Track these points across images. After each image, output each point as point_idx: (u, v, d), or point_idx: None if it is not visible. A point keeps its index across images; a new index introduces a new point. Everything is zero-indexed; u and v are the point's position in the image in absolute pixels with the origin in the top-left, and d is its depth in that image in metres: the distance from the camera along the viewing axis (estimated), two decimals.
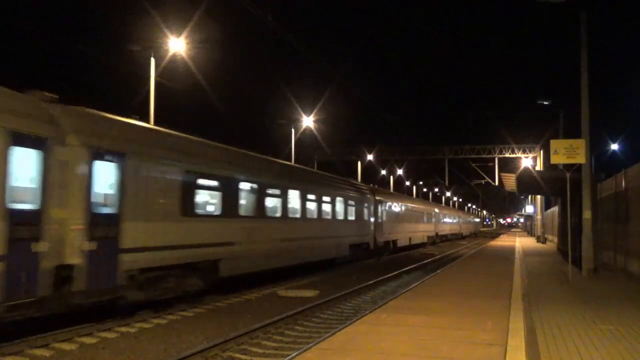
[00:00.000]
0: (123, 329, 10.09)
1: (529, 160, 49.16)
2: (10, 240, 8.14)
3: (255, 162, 16.48)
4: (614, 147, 44.86)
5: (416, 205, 42.62)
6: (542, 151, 43.25)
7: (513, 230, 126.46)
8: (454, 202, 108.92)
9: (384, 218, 29.74)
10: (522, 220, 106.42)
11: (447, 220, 58.97)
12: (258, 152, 18.12)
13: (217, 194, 13.61)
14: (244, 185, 14.86)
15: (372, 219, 27.01)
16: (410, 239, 37.19)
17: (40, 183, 8.79)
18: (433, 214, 49.15)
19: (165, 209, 11.39)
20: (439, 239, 51.07)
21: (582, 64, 16.32)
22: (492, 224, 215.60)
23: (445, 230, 56.34)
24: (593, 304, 10.50)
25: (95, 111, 10.78)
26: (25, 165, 8.66)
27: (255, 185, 15.36)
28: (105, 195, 10.12)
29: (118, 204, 10.15)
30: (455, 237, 63.44)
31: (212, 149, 14.37)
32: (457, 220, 68.85)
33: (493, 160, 52.95)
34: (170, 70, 22.34)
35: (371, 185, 35.02)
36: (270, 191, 16.23)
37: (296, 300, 13.87)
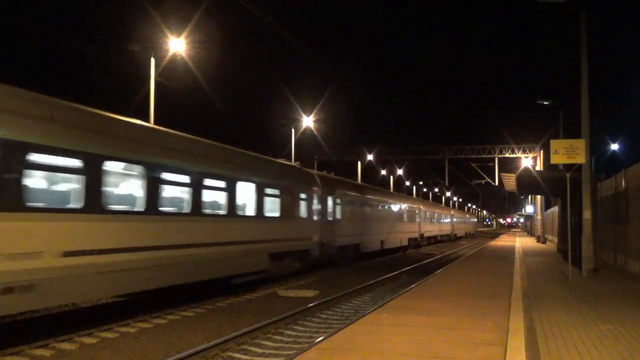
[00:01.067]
0: (123, 329, 10.09)
1: (529, 160, 49.20)
2: None
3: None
4: (614, 147, 44.94)
5: (391, 201, 34.68)
6: (542, 151, 43.28)
7: (513, 230, 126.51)
8: (454, 202, 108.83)
9: (339, 216, 23.17)
10: (522, 220, 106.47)
11: (435, 219, 51.12)
12: (258, 152, 18.01)
13: None
14: None
15: (317, 217, 20.08)
16: (382, 242, 30.16)
17: None
18: (417, 211, 41.39)
19: None
20: (424, 241, 44.33)
21: (582, 64, 16.33)
22: (492, 224, 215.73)
23: (433, 230, 48.78)
24: (593, 304, 10.50)
25: None
26: None
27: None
28: None
29: None
30: (447, 239, 57.16)
31: None
32: (449, 219, 60.90)
33: (493, 160, 53.04)
34: (170, 70, 22.36)
35: (324, 172, 27.73)
36: (56, 161, 8.92)
37: (296, 300, 13.87)
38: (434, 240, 49.55)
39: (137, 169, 10.76)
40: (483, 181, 58.85)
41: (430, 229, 47.23)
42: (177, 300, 12.59)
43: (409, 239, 37.98)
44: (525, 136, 57.19)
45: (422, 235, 42.72)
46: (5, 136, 7.87)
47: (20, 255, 7.98)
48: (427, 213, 46.47)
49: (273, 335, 9.87)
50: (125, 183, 10.88)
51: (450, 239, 59.40)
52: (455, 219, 66.49)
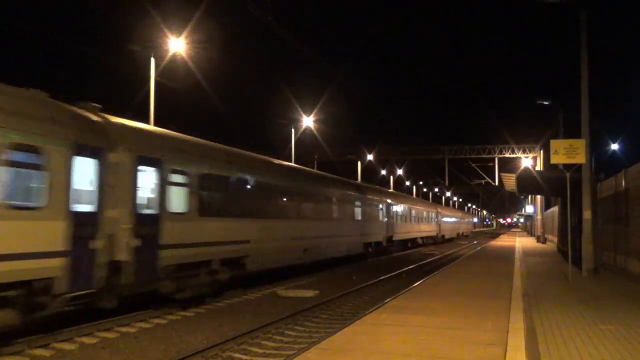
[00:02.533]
0: (123, 329, 10.10)
1: (529, 160, 49.24)
2: None
3: None
4: (614, 147, 44.93)
5: (327, 189, 22.55)
6: (542, 151, 43.29)
7: (513, 230, 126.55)
8: (454, 202, 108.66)
9: (182, 206, 12.16)
10: (522, 220, 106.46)
11: (413, 217, 40.39)
12: (258, 152, 18.00)
13: None
14: None
15: (92, 208, 9.85)
16: (306, 250, 18.88)
17: None
18: (382, 207, 30.63)
19: None
20: (395, 246, 33.87)
21: (582, 64, 16.32)
22: (492, 224, 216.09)
23: (409, 232, 38.52)
24: (593, 304, 10.50)
25: None
26: None
27: None
28: None
29: None
30: (432, 242, 47.54)
31: None
32: (433, 217, 49.81)
33: (493, 160, 53.11)
34: (170, 70, 22.35)
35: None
36: None
37: (296, 300, 13.87)
38: (411, 243, 39.82)
39: None
40: (483, 181, 58.91)
41: (404, 230, 36.55)
42: (177, 300, 12.58)
43: (368, 244, 27.14)
44: (525, 136, 57.24)
45: (390, 238, 31.94)
46: None
47: None
48: (399, 209, 35.47)
49: (273, 335, 9.87)
50: None
51: (436, 241, 49.43)
52: (443, 218, 55.02)
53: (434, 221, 50.15)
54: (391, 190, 43.61)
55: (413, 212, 40.59)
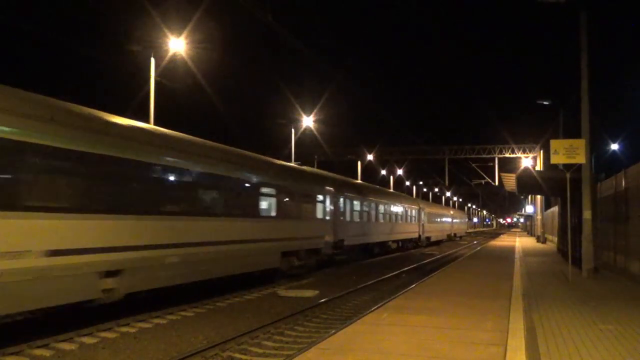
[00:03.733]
0: (123, 329, 10.10)
1: (529, 160, 49.23)
2: None
3: None
4: (614, 147, 44.93)
5: (181, 162, 11.96)
6: (542, 151, 43.27)
7: (513, 230, 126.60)
8: (454, 202, 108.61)
9: None
10: (522, 220, 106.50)
11: (381, 215, 30.82)
12: (258, 152, 17.94)
13: None
14: None
15: None
16: (168, 266, 11.24)
17: None
18: (321, 199, 20.90)
19: None
20: (349, 254, 24.79)
21: (582, 64, 16.31)
22: (492, 223, 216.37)
23: (371, 235, 28.48)
24: (593, 304, 10.50)
25: None
26: None
27: None
28: None
29: None
30: (413, 246, 39.38)
31: None
32: (415, 216, 40.57)
33: (493, 160, 53.11)
34: (170, 70, 22.33)
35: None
36: None
37: (296, 300, 13.88)
38: (378, 249, 30.35)
39: None
40: (483, 181, 58.95)
41: (363, 232, 26.95)
42: (177, 300, 12.60)
43: (292, 253, 17.89)
44: (525, 136, 57.07)
45: (339, 243, 22.81)
46: None
47: None
48: (356, 204, 26.07)
49: (273, 335, 9.88)
50: None
51: (418, 245, 41.03)
52: (427, 217, 45.06)
53: (415, 220, 40.72)
54: (341, 176, 28.87)
55: (381, 208, 30.78)
